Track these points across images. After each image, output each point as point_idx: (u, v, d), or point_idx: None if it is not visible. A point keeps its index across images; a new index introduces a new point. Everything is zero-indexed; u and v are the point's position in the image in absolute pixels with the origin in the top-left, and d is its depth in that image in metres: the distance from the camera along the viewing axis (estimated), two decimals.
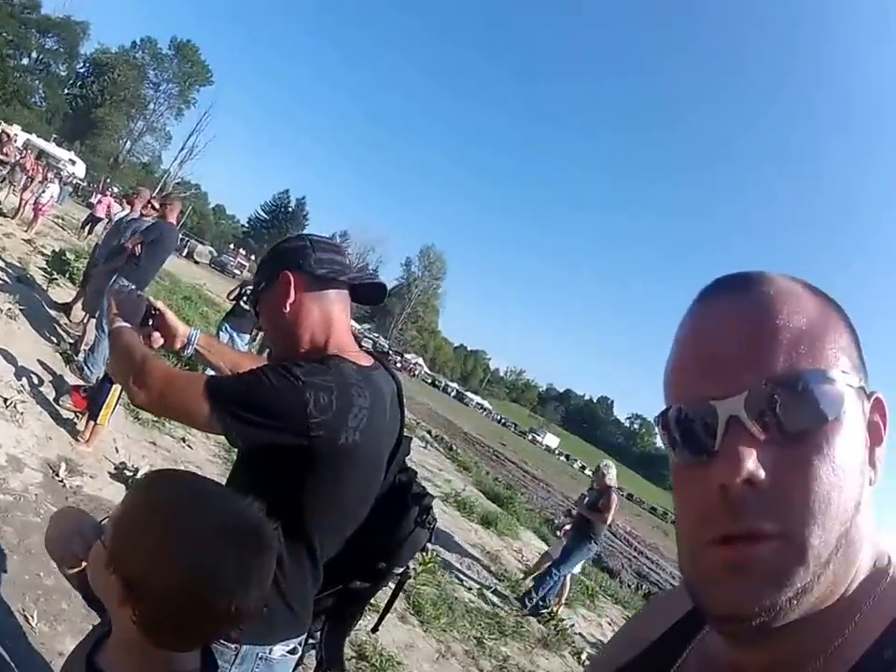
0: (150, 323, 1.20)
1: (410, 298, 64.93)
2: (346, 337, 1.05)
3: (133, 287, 2.19)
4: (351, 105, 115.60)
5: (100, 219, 14.03)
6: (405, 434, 1.13)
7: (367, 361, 1.03)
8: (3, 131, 14.94)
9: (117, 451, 4.07)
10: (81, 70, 54.10)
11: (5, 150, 11.71)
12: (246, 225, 65.00)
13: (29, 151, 21.39)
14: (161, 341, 1.18)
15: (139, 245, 4.97)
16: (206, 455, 4.77)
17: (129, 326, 1.10)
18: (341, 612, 1.14)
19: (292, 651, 1.00)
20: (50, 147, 35.16)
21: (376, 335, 45.40)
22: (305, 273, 1.01)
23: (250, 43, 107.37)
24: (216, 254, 37.66)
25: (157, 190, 37.90)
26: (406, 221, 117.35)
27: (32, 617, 2.12)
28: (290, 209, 63.30)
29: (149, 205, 5.78)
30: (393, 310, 62.03)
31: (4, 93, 46.44)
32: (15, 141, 16.13)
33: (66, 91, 53.22)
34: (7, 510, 2.78)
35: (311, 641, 1.12)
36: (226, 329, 6.58)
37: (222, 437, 0.92)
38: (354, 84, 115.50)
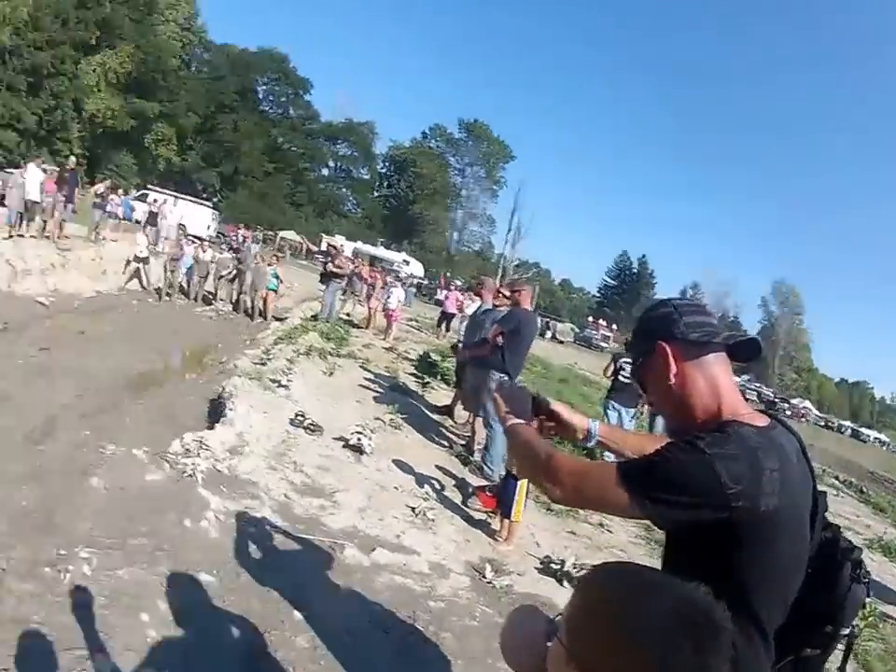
0: (538, 412, 2.32)
1: (777, 339, 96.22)
2: (736, 399, 1.86)
3: (514, 381, 4.26)
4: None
5: (452, 315, 22.81)
6: (818, 488, 1.90)
7: (763, 422, 1.83)
8: (329, 244, 24.42)
9: (537, 545, 6.73)
10: (382, 170, 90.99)
11: (337, 262, 18.57)
12: (598, 294, 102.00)
13: (361, 259, 32.09)
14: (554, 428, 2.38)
15: (500, 336, 8.42)
16: (627, 538, 7.37)
17: (523, 422, 2.13)
18: None
19: None
20: (380, 252, 57.53)
21: (758, 384, 68.00)
22: (679, 340, 1.83)
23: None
24: (577, 330, 57.42)
25: (499, 277, 60.82)
26: (750, 258, 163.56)
27: None
28: (634, 270, 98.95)
29: (500, 294, 9.57)
30: (766, 356, 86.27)
31: (316, 206, 77.72)
32: (342, 250, 24.90)
33: (375, 193, 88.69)
34: (442, 616, 5.12)
35: None
36: (612, 406, 10.87)
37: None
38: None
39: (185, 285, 22.32)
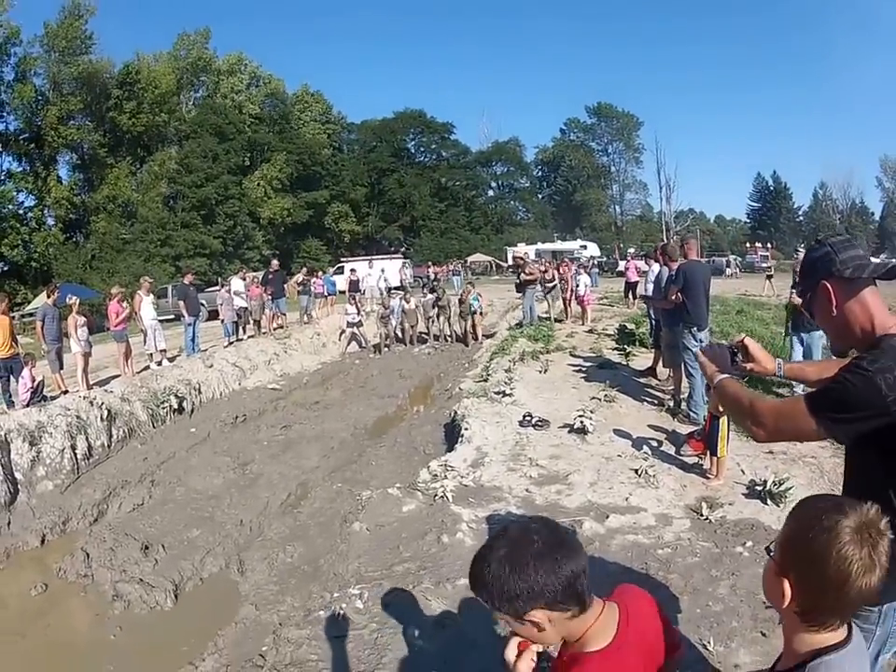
0: (737, 361, 2.75)
1: None
2: (885, 316, 2.21)
3: (705, 331, 4.32)
4: None
5: (636, 282, 22.70)
6: None
7: None
8: (514, 256, 24.89)
9: (742, 472, 6.84)
10: (538, 174, 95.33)
11: (528, 270, 18.63)
12: (748, 219, 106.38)
13: (543, 259, 32.12)
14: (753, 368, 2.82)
15: (678, 294, 8.73)
16: (816, 445, 7.07)
17: (727, 376, 2.49)
18: None
19: None
20: (559, 245, 59.99)
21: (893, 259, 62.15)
22: (837, 278, 2.20)
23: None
24: (740, 259, 57.61)
25: (664, 233, 65.57)
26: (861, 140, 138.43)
27: (708, 643, 4.14)
28: (771, 187, 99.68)
29: (664, 255, 10.15)
30: (893, 229, 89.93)
31: (492, 225, 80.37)
32: (527, 255, 24.94)
33: (539, 196, 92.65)
34: (669, 560, 5.34)
35: None
36: (798, 337, 10.34)
37: None
38: None
39: (399, 333, 23.11)
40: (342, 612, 4.69)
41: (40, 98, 48.61)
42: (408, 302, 22.91)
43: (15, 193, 47.55)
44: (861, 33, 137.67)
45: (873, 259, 2.39)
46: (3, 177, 48.84)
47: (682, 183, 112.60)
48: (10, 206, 46.37)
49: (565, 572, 1.61)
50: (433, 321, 23.13)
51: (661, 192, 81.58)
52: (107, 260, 47.28)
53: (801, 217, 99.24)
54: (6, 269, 44.08)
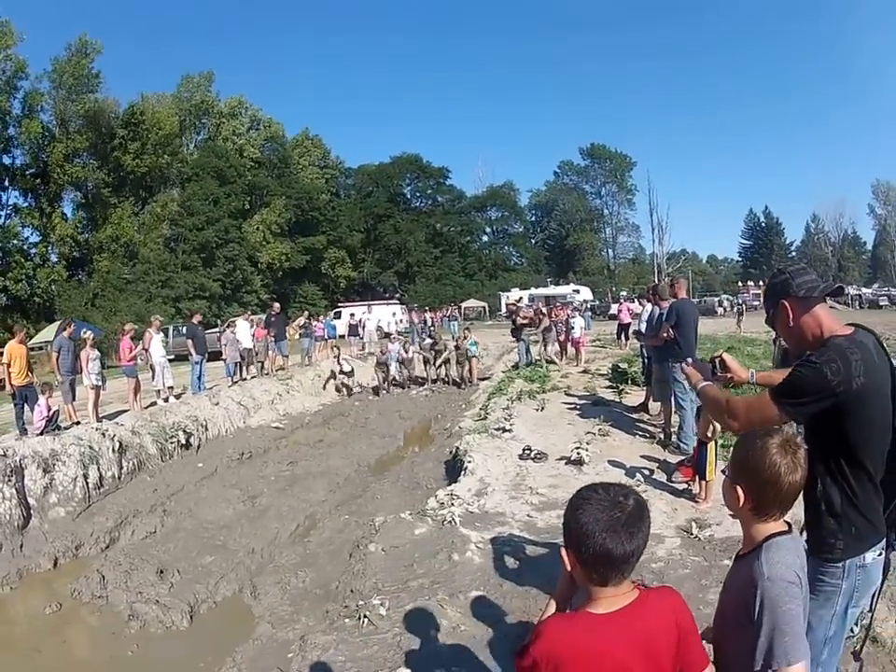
0: (717, 371, 3.59)
1: (889, 240, 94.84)
2: (832, 323, 2.77)
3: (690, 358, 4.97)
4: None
5: (628, 324, 23.18)
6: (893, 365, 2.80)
7: (849, 331, 2.75)
8: (507, 303, 25.55)
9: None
10: (532, 219, 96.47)
11: (522, 314, 19.21)
12: (740, 258, 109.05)
13: (537, 303, 32.77)
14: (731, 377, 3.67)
15: (669, 330, 9.35)
16: None
17: (709, 383, 3.21)
18: None
19: (879, 555, 2.67)
20: (552, 290, 59.70)
21: (885, 289, 66.24)
22: (793, 297, 2.81)
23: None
24: (732, 298, 57.24)
25: (656, 275, 63.74)
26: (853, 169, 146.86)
27: None
28: (762, 223, 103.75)
29: (654, 295, 10.76)
30: (885, 258, 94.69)
31: (486, 270, 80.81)
32: (520, 300, 25.52)
33: (532, 241, 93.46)
34: (662, 571, 5.83)
35: (890, 547, 2.80)
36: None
37: None
38: None
39: (397, 377, 23.31)
40: (366, 618, 5.08)
41: (47, 134, 49.49)
42: (406, 352, 23.48)
43: (20, 228, 48.43)
44: (851, 59, 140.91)
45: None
46: (9, 211, 49.80)
47: (674, 224, 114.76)
48: (15, 241, 47.20)
49: (603, 548, 1.89)
50: (430, 364, 23.50)
51: (653, 234, 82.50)
52: (109, 299, 47.77)
53: (793, 253, 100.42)
54: (9, 303, 44.45)
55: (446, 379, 23.52)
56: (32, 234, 49.86)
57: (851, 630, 3.28)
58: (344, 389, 22.31)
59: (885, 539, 2.79)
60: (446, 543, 6.52)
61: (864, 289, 64.18)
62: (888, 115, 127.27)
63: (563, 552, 2.05)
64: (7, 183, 49.83)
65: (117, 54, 72.92)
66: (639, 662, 1.94)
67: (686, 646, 2.06)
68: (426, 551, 6.49)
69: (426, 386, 23.03)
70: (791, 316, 2.88)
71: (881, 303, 52.01)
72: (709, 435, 6.85)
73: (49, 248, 49.91)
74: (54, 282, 47.01)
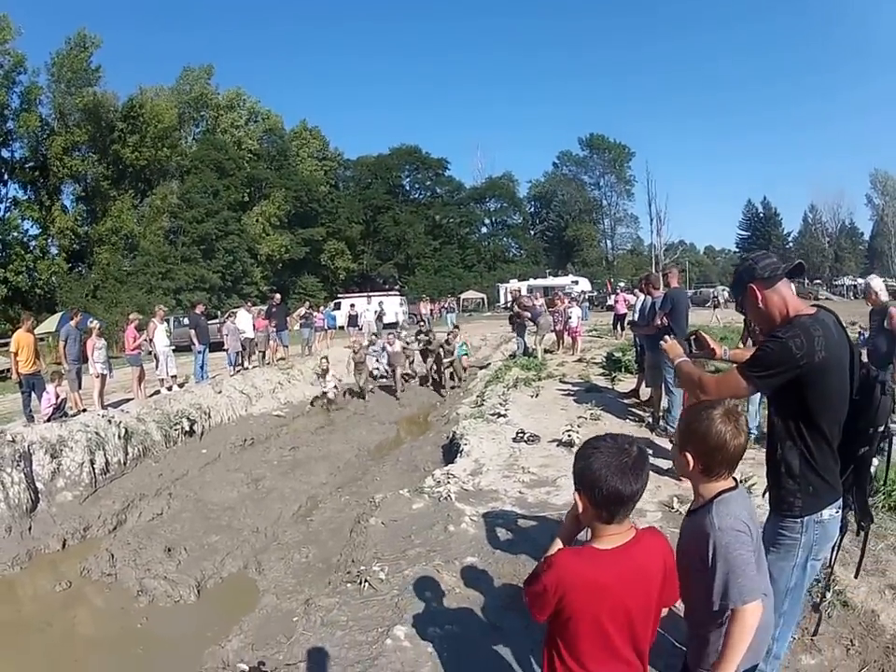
0: (693, 350, 3.93)
1: (887, 230, 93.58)
2: (797, 302, 3.16)
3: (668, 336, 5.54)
4: None
5: (624, 314, 23.53)
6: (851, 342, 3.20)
7: (812, 310, 3.14)
8: (508, 291, 25.52)
9: None
10: (531, 210, 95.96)
11: (521, 303, 19.69)
12: (737, 249, 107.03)
13: (537, 293, 33.04)
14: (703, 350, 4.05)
15: (664, 318, 9.72)
16: None
17: (685, 359, 3.59)
18: (861, 480, 3.22)
19: (836, 512, 3.12)
20: (551, 281, 59.90)
21: (883, 280, 54.58)
22: (759, 280, 3.19)
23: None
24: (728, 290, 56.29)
25: (654, 265, 64.07)
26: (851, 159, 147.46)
27: (676, 605, 5.02)
28: (760, 214, 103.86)
29: (647, 285, 11.01)
30: (882, 248, 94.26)
31: (485, 262, 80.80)
32: (520, 291, 25.80)
33: (531, 232, 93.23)
34: None
35: (847, 507, 3.24)
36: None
37: None
38: None
39: (384, 373, 21.87)
40: (366, 582, 5.44)
41: (46, 127, 49.76)
42: (392, 345, 21.81)
43: (20, 221, 48.55)
44: (851, 50, 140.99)
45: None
46: (9, 204, 50.03)
47: (672, 215, 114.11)
48: (15, 233, 47.37)
49: (613, 489, 2.23)
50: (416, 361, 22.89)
51: (651, 225, 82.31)
52: (110, 291, 48.14)
53: (790, 244, 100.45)
54: (10, 294, 44.69)
55: (427, 380, 22.41)
56: (32, 227, 50.03)
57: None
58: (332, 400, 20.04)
59: (841, 499, 3.15)
60: (442, 516, 6.86)
61: (860, 280, 64.15)
62: (886, 104, 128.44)
63: (575, 495, 2.38)
64: (6, 176, 50.06)
65: (114, 46, 72.98)
66: (634, 591, 2.31)
67: (670, 580, 2.44)
68: (423, 523, 6.84)
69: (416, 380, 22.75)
70: (759, 298, 3.18)
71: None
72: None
73: (49, 241, 50.10)
74: (55, 274, 47.28)
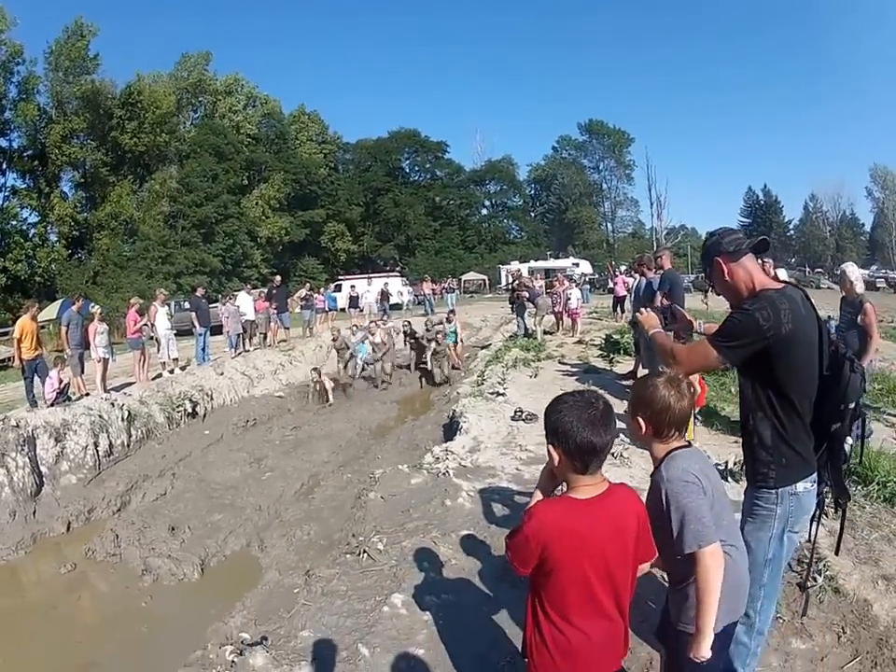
0: (668, 321, 4.34)
1: (887, 223, 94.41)
2: (763, 277, 3.28)
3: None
4: None
5: (624, 297, 23.67)
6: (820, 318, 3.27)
7: (779, 286, 3.25)
8: (508, 272, 25.48)
9: (709, 457, 7.79)
10: (531, 192, 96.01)
11: (522, 282, 19.79)
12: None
13: (538, 275, 33.13)
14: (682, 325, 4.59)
15: (664, 298, 9.87)
16: None
17: (659, 330, 3.69)
18: (835, 456, 3.31)
19: (811, 485, 3.22)
20: (551, 263, 60.92)
21: (883, 271, 66.88)
22: (724, 254, 3.31)
23: None
24: None
25: (654, 249, 61.41)
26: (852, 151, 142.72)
27: (664, 576, 5.10)
28: (761, 201, 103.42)
29: (643, 268, 11.43)
30: (883, 240, 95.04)
31: (485, 244, 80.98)
32: (520, 273, 25.92)
33: (532, 214, 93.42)
34: None
35: (823, 483, 3.34)
36: None
37: None
38: None
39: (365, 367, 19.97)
40: (365, 553, 5.59)
41: (44, 116, 49.65)
42: (373, 335, 19.69)
43: (19, 209, 48.60)
44: (851, 44, 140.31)
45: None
46: (7, 194, 50.06)
47: (673, 200, 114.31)
48: (14, 222, 47.47)
49: (585, 439, 2.39)
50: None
51: (652, 209, 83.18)
52: (110, 276, 48.24)
53: (791, 232, 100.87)
54: (9, 283, 44.77)
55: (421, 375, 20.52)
56: (31, 215, 50.12)
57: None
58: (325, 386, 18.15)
59: (816, 474, 3.25)
60: (440, 491, 7.00)
61: (862, 270, 63.87)
62: (886, 101, 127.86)
63: (549, 448, 2.52)
64: (4, 166, 50.05)
65: (112, 34, 72.55)
66: (611, 541, 2.44)
67: (644, 535, 2.57)
68: (421, 498, 6.98)
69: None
70: (725, 271, 3.30)
71: (878, 285, 51.66)
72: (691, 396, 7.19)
73: (49, 228, 50.14)
74: (54, 261, 47.25)
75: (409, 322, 22.42)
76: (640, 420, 2.98)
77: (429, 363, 19.34)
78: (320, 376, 17.44)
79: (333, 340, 19.93)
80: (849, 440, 3.40)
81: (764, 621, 3.38)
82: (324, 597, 5.10)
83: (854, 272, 8.16)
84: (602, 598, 2.48)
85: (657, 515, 2.77)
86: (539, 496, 2.80)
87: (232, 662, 4.70)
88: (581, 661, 2.49)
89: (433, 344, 19.30)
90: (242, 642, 5.12)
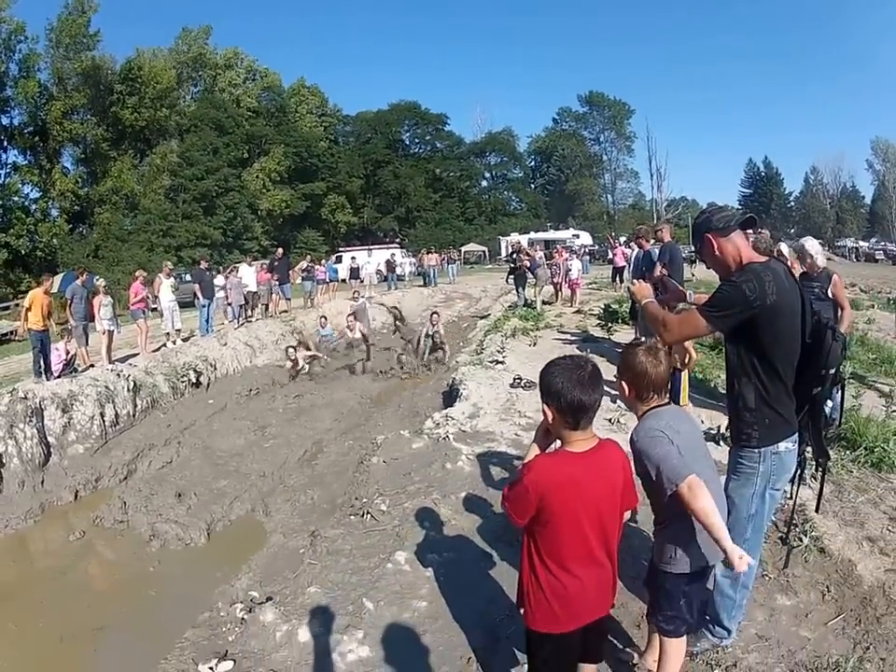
0: (659, 291, 4.75)
1: (888, 195, 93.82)
2: (750, 252, 3.46)
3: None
4: None
5: (622, 267, 23.83)
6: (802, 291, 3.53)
7: (764, 259, 3.45)
8: (509, 244, 25.45)
9: (703, 422, 7.82)
10: (531, 164, 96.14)
11: (525, 252, 19.90)
12: (739, 206, 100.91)
13: (538, 246, 33.17)
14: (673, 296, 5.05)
15: (664, 268, 9.95)
16: None
17: (651, 300, 3.82)
18: (815, 419, 3.53)
19: (792, 445, 3.45)
20: (552, 234, 61.04)
21: (882, 244, 66.81)
22: (714, 230, 3.47)
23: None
24: None
25: (654, 220, 63.88)
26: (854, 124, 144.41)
27: None
28: (762, 173, 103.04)
29: (643, 240, 11.57)
30: (883, 213, 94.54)
31: (486, 215, 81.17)
32: (519, 244, 26.01)
33: (532, 185, 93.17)
34: (634, 479, 6.69)
35: (804, 443, 3.58)
36: None
37: None
38: None
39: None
40: (369, 514, 5.74)
41: (44, 93, 49.35)
42: (352, 330, 18.37)
43: (20, 185, 48.44)
44: (854, 17, 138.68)
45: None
46: (9, 170, 49.76)
47: (674, 171, 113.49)
48: (16, 198, 47.35)
49: (575, 398, 2.60)
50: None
51: (652, 181, 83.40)
52: (111, 250, 48.25)
53: (792, 203, 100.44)
54: (11, 258, 44.73)
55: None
56: (32, 191, 50.03)
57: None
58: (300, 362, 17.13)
59: (797, 435, 3.45)
60: (440, 455, 7.13)
61: (862, 242, 64.17)
62: (888, 74, 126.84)
63: (544, 407, 2.74)
64: (5, 143, 49.88)
65: (111, 9, 71.89)
66: (603, 490, 2.68)
67: (628, 484, 2.81)
68: (422, 461, 7.12)
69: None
70: (715, 246, 3.44)
71: (877, 257, 52.00)
72: (685, 362, 7.17)
73: (50, 203, 50.09)
74: (56, 236, 47.26)
75: (397, 307, 21.65)
76: (624, 384, 3.27)
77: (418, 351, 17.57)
78: (296, 353, 16.96)
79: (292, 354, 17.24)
80: (829, 402, 3.73)
81: (749, 574, 3.54)
82: (329, 556, 5.24)
83: (813, 245, 7.87)
84: (594, 545, 2.69)
85: (640, 471, 3.12)
86: (535, 450, 2.98)
87: (242, 619, 4.84)
88: (577, 606, 2.72)
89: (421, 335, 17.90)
90: (251, 600, 5.26)
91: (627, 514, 2.93)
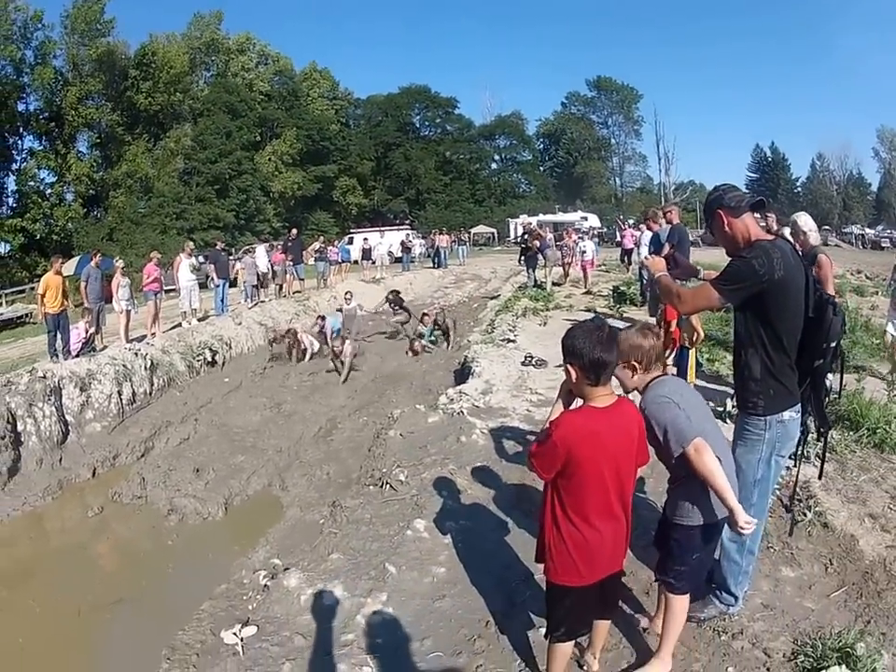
0: (671, 266, 4.65)
1: (893, 184, 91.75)
2: (758, 230, 3.61)
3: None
4: None
5: (631, 249, 23.86)
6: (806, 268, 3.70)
7: (771, 237, 3.64)
8: (519, 224, 25.35)
9: (709, 401, 7.76)
10: (540, 147, 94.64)
11: (536, 234, 19.91)
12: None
13: (547, 228, 33.05)
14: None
15: (671, 249, 9.94)
16: None
17: (665, 273, 3.95)
18: (817, 390, 3.68)
19: (795, 414, 3.61)
20: (560, 217, 60.51)
21: (889, 231, 65.46)
22: (725, 207, 3.59)
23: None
24: None
25: (662, 203, 62.75)
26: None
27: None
28: (769, 158, 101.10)
29: (648, 221, 12.03)
30: (889, 200, 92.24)
31: (495, 197, 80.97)
32: (531, 225, 25.87)
33: (541, 168, 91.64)
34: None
35: (806, 413, 3.75)
36: None
37: None
38: None
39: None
40: (388, 484, 5.85)
41: (60, 79, 49.31)
42: (348, 304, 18.69)
43: (37, 170, 48.60)
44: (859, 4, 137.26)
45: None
46: (25, 155, 49.88)
47: (681, 155, 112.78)
48: (32, 183, 47.49)
49: (596, 356, 2.79)
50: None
51: (660, 164, 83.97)
52: (125, 233, 48.16)
53: (798, 189, 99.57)
54: (27, 242, 45.11)
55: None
56: (48, 175, 50.08)
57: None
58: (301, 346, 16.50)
59: (800, 405, 3.60)
60: (455, 429, 7.21)
61: (868, 230, 63.48)
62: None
63: (567, 367, 2.91)
64: (22, 129, 49.91)
65: None
66: (622, 444, 2.87)
67: (642, 441, 3.02)
68: (438, 435, 7.21)
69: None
70: (724, 223, 3.55)
71: (883, 245, 51.11)
72: (693, 340, 7.25)
73: (66, 188, 50.12)
74: (71, 219, 47.46)
75: (397, 291, 20.25)
76: (628, 366, 3.39)
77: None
78: (297, 335, 16.26)
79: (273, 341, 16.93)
80: (830, 376, 3.77)
81: (754, 540, 3.72)
82: (350, 525, 5.34)
83: (807, 222, 7.48)
84: (613, 499, 2.89)
85: (649, 437, 3.19)
86: (560, 408, 3.13)
87: (265, 586, 4.93)
88: (597, 558, 2.90)
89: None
90: (273, 567, 5.32)
91: (640, 471, 3.11)
